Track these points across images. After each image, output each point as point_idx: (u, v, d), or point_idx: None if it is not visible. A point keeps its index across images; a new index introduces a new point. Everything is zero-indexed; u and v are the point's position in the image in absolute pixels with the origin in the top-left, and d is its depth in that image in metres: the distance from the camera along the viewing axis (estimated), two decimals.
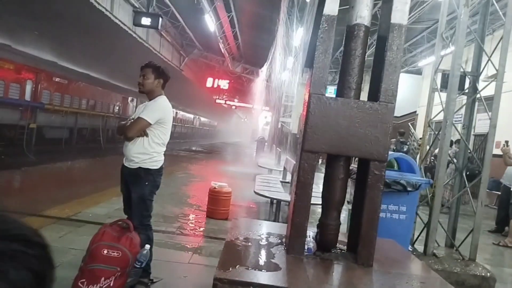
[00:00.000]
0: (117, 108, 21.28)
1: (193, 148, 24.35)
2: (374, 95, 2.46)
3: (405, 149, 11.01)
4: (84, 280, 2.66)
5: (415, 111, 19.38)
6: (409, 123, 18.26)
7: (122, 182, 3.09)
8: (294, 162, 3.95)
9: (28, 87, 13.56)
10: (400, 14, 2.34)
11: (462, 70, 4.59)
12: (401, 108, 18.78)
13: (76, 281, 2.71)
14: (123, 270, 2.69)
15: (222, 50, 22.00)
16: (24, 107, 13.19)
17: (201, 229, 5.33)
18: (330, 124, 2.31)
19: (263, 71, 24.13)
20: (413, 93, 19.31)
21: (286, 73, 20.89)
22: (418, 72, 20.67)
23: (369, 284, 2.16)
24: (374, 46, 2.76)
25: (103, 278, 2.63)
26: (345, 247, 2.67)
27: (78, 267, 2.83)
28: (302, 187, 2.44)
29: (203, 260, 4.02)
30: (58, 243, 3.90)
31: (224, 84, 27.36)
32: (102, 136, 18.25)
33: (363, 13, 2.41)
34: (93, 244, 2.79)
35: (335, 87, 2.57)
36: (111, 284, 2.64)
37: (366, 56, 2.49)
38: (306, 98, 2.38)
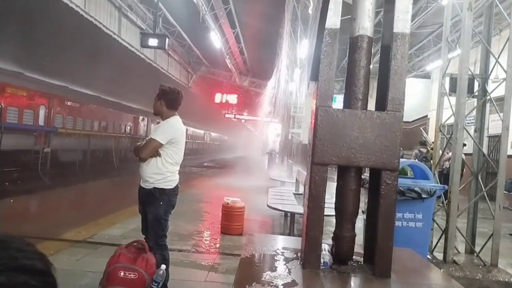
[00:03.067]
0: (129, 128, 21.57)
1: (205, 164, 24.44)
2: (381, 104, 2.46)
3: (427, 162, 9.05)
4: None
5: (426, 115, 19.19)
6: (421, 128, 18.10)
7: (139, 203, 3.12)
8: (306, 174, 3.95)
9: (42, 112, 13.87)
10: (402, 23, 2.35)
11: (470, 73, 4.56)
12: (412, 112, 18.63)
13: None
14: None
15: (229, 66, 22.26)
16: (38, 132, 13.47)
17: (216, 245, 5.32)
18: (338, 136, 2.31)
19: (271, 84, 24.30)
20: (423, 97, 19.16)
21: (293, 84, 20.98)
22: (427, 76, 20.56)
23: None
24: (379, 54, 2.77)
25: None
26: (361, 259, 2.64)
27: None
28: (314, 200, 2.43)
29: (219, 278, 4.00)
30: (76, 266, 3.93)
31: (232, 98, 27.55)
32: (115, 156, 18.48)
33: (365, 24, 2.42)
34: (109, 266, 2.81)
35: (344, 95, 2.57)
36: None
37: (372, 64, 2.50)
38: (314, 111, 2.39)
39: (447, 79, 4.86)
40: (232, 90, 27.16)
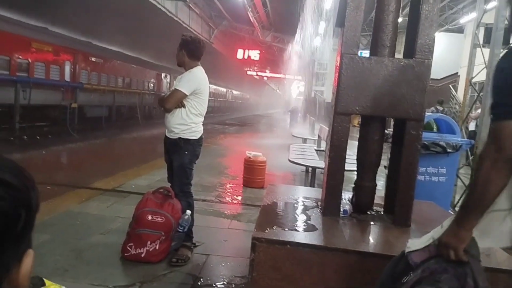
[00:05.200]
0: (152, 85, 21.72)
1: (227, 121, 24.60)
2: (409, 52, 2.37)
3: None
4: (131, 244, 2.85)
5: (457, 73, 18.39)
6: (450, 85, 17.42)
7: (165, 152, 3.21)
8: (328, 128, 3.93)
9: (67, 68, 14.08)
10: None
11: (506, 22, 4.28)
12: (441, 69, 17.87)
13: (124, 245, 2.91)
14: (167, 234, 2.86)
15: (251, 19, 21.61)
16: (65, 87, 13.76)
17: (239, 197, 5.48)
18: (363, 85, 2.27)
19: (294, 39, 23.62)
20: (454, 53, 18.26)
21: (317, 39, 20.34)
22: (460, 30, 19.45)
23: (406, 243, 2.16)
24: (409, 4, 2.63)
25: (149, 242, 2.81)
26: (381, 209, 2.67)
27: (126, 232, 3.03)
28: (335, 150, 2.44)
29: (241, 226, 4.16)
30: (106, 212, 4.16)
31: (254, 54, 26.94)
32: (139, 112, 18.80)
33: None
34: (138, 210, 2.96)
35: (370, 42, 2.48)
36: (157, 247, 2.81)
37: (401, 16, 2.39)
38: (338, 60, 2.34)
39: (481, 30, 4.59)
40: (254, 45, 26.54)
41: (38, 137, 11.42)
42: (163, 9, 16.01)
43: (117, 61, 17.82)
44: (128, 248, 2.84)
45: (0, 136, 10.52)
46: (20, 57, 11.82)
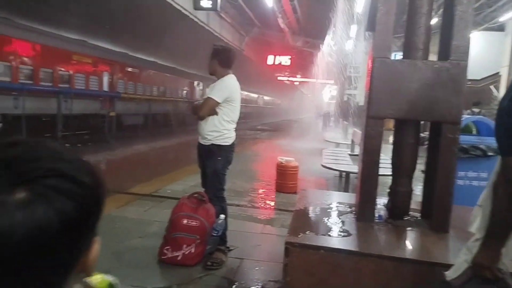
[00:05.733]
0: (185, 92, 22.23)
1: (258, 127, 24.71)
2: (444, 54, 2.33)
3: None
4: (168, 247, 2.94)
5: (498, 72, 17.57)
6: (491, 86, 16.66)
7: (199, 158, 3.29)
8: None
9: (105, 79, 14.70)
10: None
11: None
12: (481, 69, 17.17)
13: (161, 248, 3.00)
14: (202, 238, 2.92)
15: (282, 26, 21.68)
16: (103, 97, 14.37)
17: (271, 202, 5.50)
18: (396, 88, 2.24)
19: (325, 43, 23.45)
20: (495, 52, 17.48)
21: (349, 42, 20.10)
22: (500, 28, 18.60)
23: (444, 249, 2.11)
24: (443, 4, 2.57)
25: (185, 245, 2.89)
26: (418, 215, 2.61)
27: (163, 236, 3.13)
28: (369, 154, 2.42)
29: (274, 231, 4.17)
30: (144, 216, 4.31)
31: (285, 60, 26.90)
32: (173, 120, 19.28)
33: None
34: (173, 215, 3.05)
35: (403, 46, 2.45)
36: (192, 251, 2.89)
37: (436, 16, 2.35)
38: (370, 64, 2.33)
39: None
40: (285, 51, 26.55)
41: (79, 145, 11.97)
42: (195, 19, 16.37)
43: (152, 71, 18.40)
44: (165, 251, 2.93)
45: None
46: (62, 69, 12.47)
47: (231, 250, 3.39)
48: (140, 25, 16.06)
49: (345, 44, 20.29)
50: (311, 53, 26.63)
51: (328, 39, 22.01)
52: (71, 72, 12.85)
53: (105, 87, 14.64)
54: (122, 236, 3.61)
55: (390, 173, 2.62)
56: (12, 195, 0.42)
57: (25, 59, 10.90)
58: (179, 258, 2.90)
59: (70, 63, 12.87)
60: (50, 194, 0.44)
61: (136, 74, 17.00)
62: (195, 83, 23.35)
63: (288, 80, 37.18)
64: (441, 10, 2.44)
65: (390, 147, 2.62)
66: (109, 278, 0.70)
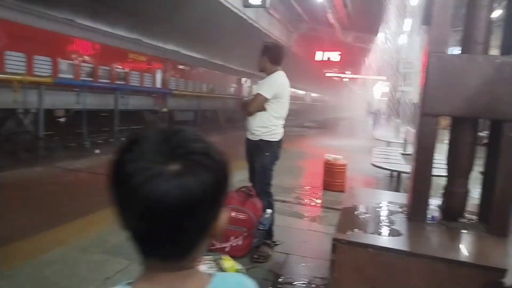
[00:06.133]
0: (233, 89, 22.59)
1: (305, 124, 24.53)
2: (507, 49, 2.19)
3: None
4: None
5: None
6: None
7: (246, 153, 3.36)
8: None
9: (158, 76, 15.32)
10: None
11: None
12: None
13: None
14: (249, 231, 2.99)
15: (331, 21, 21.30)
16: (156, 93, 14.99)
17: (318, 200, 5.47)
18: (453, 84, 2.15)
19: (377, 38, 22.71)
20: None
21: (403, 36, 19.31)
22: None
23: (502, 253, 2.00)
24: None
25: (233, 237, 2.97)
26: (474, 217, 2.49)
27: None
28: (422, 153, 2.34)
29: (321, 228, 4.16)
30: None
31: (334, 56, 26.35)
32: (221, 116, 19.68)
33: None
34: None
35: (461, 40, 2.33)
36: (240, 243, 2.97)
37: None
38: (425, 59, 2.25)
39: None
40: (334, 47, 26.01)
41: None
42: (245, 17, 16.54)
43: (201, 68, 18.89)
44: (214, 241, 3.04)
45: (103, 138, 11.82)
46: (119, 67, 13.17)
47: (278, 244, 3.44)
48: (191, 23, 16.51)
49: (399, 38, 19.51)
50: (362, 48, 25.91)
51: (380, 33, 21.30)
52: (127, 69, 13.54)
53: (158, 84, 15.26)
54: None
55: (444, 173, 2.52)
56: (168, 167, 0.55)
57: (86, 57, 11.64)
58: (227, 249, 2.99)
59: (126, 61, 13.55)
60: (196, 168, 0.56)
61: (187, 72, 17.54)
62: (243, 80, 23.63)
63: (337, 76, 36.46)
64: (505, 1, 2.29)
65: (443, 146, 2.52)
66: (238, 266, 0.80)
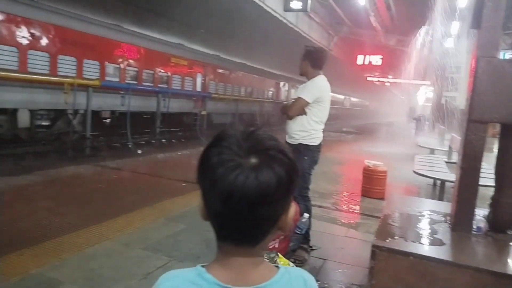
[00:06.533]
0: (271, 93, 22.66)
1: (344, 129, 24.12)
2: None
3: None
4: None
5: None
6: None
7: None
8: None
9: (198, 80, 15.68)
10: None
11: None
12: None
13: None
14: (286, 235, 2.99)
15: (374, 24, 20.84)
16: (196, 97, 15.34)
17: (356, 206, 5.37)
18: (504, 90, 2.06)
19: (422, 41, 21.94)
20: None
21: (449, 40, 18.54)
22: None
23: None
24: None
25: None
26: None
27: None
28: (469, 160, 2.25)
29: (359, 235, 4.08)
30: None
31: (376, 60, 25.69)
32: (259, 119, 19.80)
33: None
34: None
35: None
36: (276, 246, 2.97)
37: None
38: (473, 63, 2.16)
39: None
40: (376, 50, 25.38)
41: (173, 141, 12.96)
42: (285, 21, 16.57)
43: (240, 72, 19.12)
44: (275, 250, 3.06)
45: (145, 139, 12.25)
46: (162, 71, 13.62)
47: (314, 249, 3.42)
48: (232, 28, 16.78)
49: (445, 42, 18.76)
50: (405, 52, 25.14)
51: (425, 37, 20.58)
52: (169, 73, 13.97)
53: (198, 87, 15.61)
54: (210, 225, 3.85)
55: (492, 183, 2.41)
56: (248, 160, 0.62)
57: (131, 61, 12.14)
58: None
59: (168, 65, 13.99)
60: (272, 162, 0.63)
61: (226, 76, 17.83)
62: (281, 84, 23.65)
63: (378, 80, 35.56)
64: None
65: (491, 155, 2.41)
66: (291, 264, 0.86)
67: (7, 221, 3.97)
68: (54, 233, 3.66)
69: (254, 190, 0.61)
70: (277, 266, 0.72)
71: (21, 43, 8.54)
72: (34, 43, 8.84)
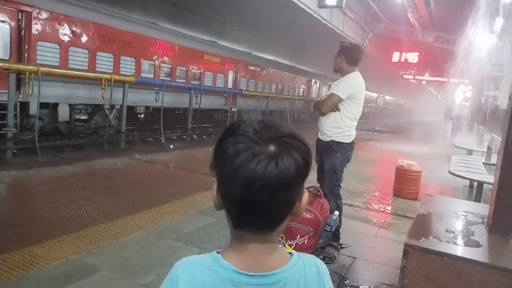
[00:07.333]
0: (302, 90, 22.48)
1: (377, 128, 23.60)
2: None
3: None
4: (283, 235, 3.07)
5: None
6: None
7: (317, 154, 3.35)
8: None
9: (230, 76, 15.80)
10: None
11: None
12: None
13: None
14: (315, 231, 2.98)
15: (411, 20, 20.14)
16: (227, 93, 15.47)
17: (388, 206, 5.25)
18: None
19: (462, 38, 21.05)
20: None
21: (492, 37, 17.68)
22: None
23: None
24: None
25: (298, 236, 2.98)
26: None
27: None
28: (509, 161, 2.16)
29: (390, 235, 4.00)
30: None
31: (412, 57, 24.88)
32: (289, 117, 19.69)
33: None
34: None
35: None
36: (305, 242, 2.97)
37: None
38: None
39: None
40: (412, 47, 24.56)
41: (204, 136, 13.15)
42: (319, 17, 16.37)
43: (271, 69, 19.09)
44: (280, 239, 3.07)
45: (177, 134, 12.50)
46: (195, 67, 13.82)
47: (344, 248, 3.38)
48: (264, 25, 16.78)
49: (487, 39, 17.91)
50: (443, 49, 24.21)
51: (465, 34, 19.74)
52: (201, 70, 14.16)
53: (230, 84, 15.73)
54: None
55: None
56: (267, 148, 0.64)
57: (165, 58, 12.40)
58: (292, 247, 3.01)
59: (201, 62, 14.18)
60: (290, 148, 0.65)
61: (257, 73, 17.84)
62: (313, 81, 23.42)
63: (414, 78, 34.49)
64: None
65: None
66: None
67: (48, 209, 4.18)
68: (91, 221, 3.82)
69: (274, 177, 0.62)
70: (290, 253, 0.74)
71: (63, 40, 8.92)
72: (75, 40, 9.21)
